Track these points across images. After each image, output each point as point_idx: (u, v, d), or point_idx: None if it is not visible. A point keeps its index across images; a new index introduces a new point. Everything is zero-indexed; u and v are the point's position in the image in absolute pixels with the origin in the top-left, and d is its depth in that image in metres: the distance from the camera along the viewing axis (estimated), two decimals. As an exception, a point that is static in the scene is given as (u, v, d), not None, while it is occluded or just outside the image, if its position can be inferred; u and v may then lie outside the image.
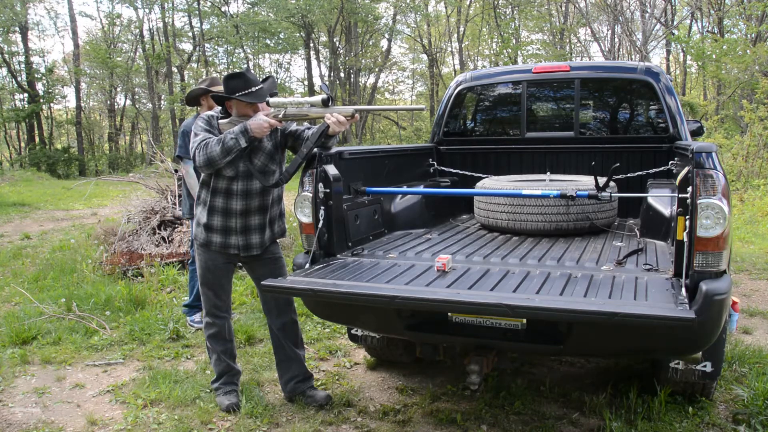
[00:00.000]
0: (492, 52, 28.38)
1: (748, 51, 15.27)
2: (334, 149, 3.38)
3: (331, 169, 3.25)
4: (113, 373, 4.00)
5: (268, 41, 26.47)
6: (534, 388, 3.59)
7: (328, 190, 3.21)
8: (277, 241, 3.42)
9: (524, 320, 2.66)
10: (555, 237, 3.82)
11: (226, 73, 3.12)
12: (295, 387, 3.47)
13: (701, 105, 14.96)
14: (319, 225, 3.20)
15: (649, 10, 20.49)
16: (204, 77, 4.71)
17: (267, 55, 29.32)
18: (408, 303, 2.61)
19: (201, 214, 3.25)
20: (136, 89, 31.16)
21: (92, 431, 3.23)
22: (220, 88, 4.57)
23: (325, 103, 3.04)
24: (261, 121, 3.03)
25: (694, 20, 22.88)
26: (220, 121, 3.20)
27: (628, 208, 4.43)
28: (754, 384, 3.36)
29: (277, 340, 3.47)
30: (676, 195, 2.73)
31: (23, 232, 9.57)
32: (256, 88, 3.11)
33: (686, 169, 2.64)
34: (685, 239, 2.50)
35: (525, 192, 3.57)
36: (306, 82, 28.53)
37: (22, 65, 26.45)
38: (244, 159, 3.14)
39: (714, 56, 16.10)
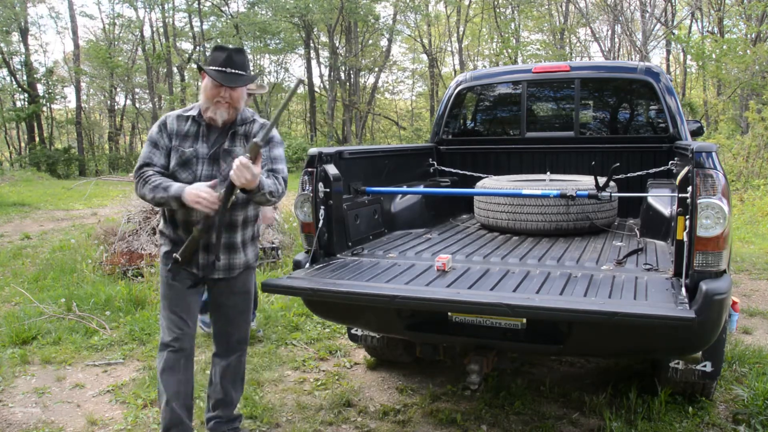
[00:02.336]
0: (492, 52, 28.38)
1: (748, 51, 15.26)
2: (334, 149, 3.39)
3: (331, 169, 3.25)
4: (113, 373, 4.00)
5: (268, 41, 26.46)
6: (534, 388, 3.59)
7: (328, 190, 3.21)
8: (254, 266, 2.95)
9: (524, 320, 2.66)
10: (555, 237, 3.82)
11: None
12: (215, 426, 2.98)
13: (701, 106, 14.95)
14: (319, 225, 3.20)
15: (649, 10, 20.49)
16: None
17: (267, 55, 29.32)
18: (408, 303, 2.61)
19: (162, 223, 2.78)
20: (136, 89, 31.16)
21: (92, 431, 3.23)
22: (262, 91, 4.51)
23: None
24: (199, 194, 2.47)
25: (694, 20, 22.88)
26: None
27: (628, 208, 4.43)
28: (754, 384, 3.36)
29: (216, 379, 2.94)
30: (676, 195, 2.73)
31: (23, 232, 9.57)
32: (233, 71, 2.55)
33: (686, 168, 2.64)
34: (685, 239, 2.50)
35: (525, 192, 3.57)
36: (306, 82, 28.52)
37: (23, 65, 26.44)
38: (209, 164, 2.65)
39: (714, 56, 16.10)
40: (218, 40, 25.75)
